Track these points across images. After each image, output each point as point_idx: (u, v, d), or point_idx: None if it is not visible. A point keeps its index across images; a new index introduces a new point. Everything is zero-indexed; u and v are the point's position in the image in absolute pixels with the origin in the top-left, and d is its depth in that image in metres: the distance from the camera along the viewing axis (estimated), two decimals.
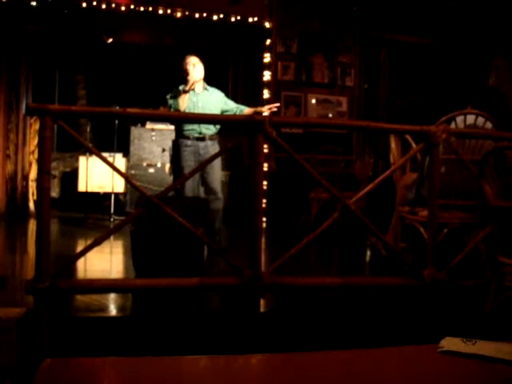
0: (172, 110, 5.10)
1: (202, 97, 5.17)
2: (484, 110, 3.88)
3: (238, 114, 5.20)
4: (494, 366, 1.60)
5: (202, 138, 5.11)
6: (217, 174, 5.19)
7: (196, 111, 5.03)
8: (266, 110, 5.18)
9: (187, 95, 5.06)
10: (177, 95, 5.10)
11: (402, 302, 3.42)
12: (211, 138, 5.16)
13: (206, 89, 5.23)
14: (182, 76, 5.16)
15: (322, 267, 5.00)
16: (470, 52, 7.77)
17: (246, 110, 5.22)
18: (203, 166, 4.36)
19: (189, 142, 5.10)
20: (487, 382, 1.59)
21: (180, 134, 5.16)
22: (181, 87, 5.14)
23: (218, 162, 5.16)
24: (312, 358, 1.73)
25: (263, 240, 2.91)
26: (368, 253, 5.50)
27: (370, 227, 3.02)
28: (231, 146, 3.55)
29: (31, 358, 2.44)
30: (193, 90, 5.09)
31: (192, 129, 5.10)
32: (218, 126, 5.20)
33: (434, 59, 8.35)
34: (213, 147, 5.11)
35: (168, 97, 5.18)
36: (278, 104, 5.25)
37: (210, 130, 5.14)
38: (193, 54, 5.23)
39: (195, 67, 5.09)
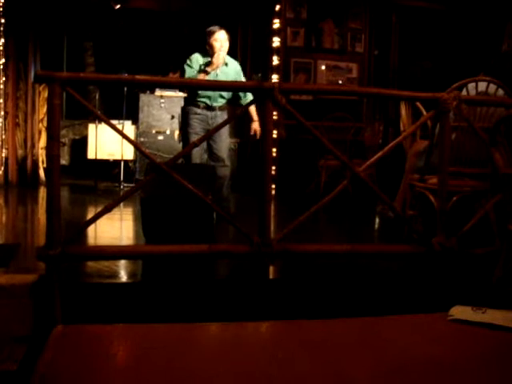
0: None
1: (221, 73, 5.06)
2: (496, 77, 3.84)
3: (242, 98, 5.15)
4: (503, 334, 1.61)
5: (211, 108, 5.08)
6: (224, 142, 5.16)
7: (213, 89, 4.95)
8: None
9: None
10: (198, 71, 5.01)
11: (412, 270, 3.43)
12: (221, 108, 5.13)
13: (225, 64, 5.11)
14: (204, 46, 5.06)
15: (330, 235, 5.02)
16: (482, 18, 7.64)
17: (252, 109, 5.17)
18: (211, 133, 4.34)
19: (198, 110, 5.08)
20: (496, 350, 1.61)
21: (190, 101, 5.13)
22: (201, 60, 5.05)
23: (225, 131, 5.13)
24: (322, 325, 1.75)
25: (272, 207, 2.91)
26: (377, 221, 5.50)
27: (380, 194, 3.01)
28: (240, 113, 3.53)
29: (44, 323, 2.47)
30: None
31: (202, 101, 5.06)
32: (227, 97, 5.16)
33: (446, 25, 8.23)
34: (221, 117, 5.07)
35: (186, 66, 5.06)
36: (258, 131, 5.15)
37: (219, 102, 5.11)
38: (219, 26, 5.05)
39: (222, 47, 4.96)
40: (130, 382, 1.46)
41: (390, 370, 1.54)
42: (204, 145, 5.07)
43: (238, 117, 4.72)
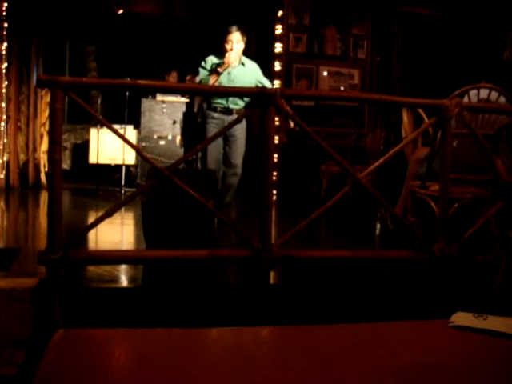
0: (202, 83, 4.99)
1: (236, 72, 5.05)
2: (498, 85, 3.84)
3: None
4: (504, 341, 1.60)
5: (229, 112, 5.04)
6: (240, 149, 5.11)
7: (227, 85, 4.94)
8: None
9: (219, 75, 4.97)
10: (210, 72, 4.99)
11: (413, 276, 3.43)
12: (238, 112, 5.06)
13: (242, 63, 5.10)
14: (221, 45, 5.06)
15: (332, 240, 5.01)
16: (484, 25, 7.65)
17: None
18: (215, 137, 4.29)
19: (215, 115, 5.05)
20: (498, 357, 1.60)
21: (208, 105, 5.10)
22: (215, 61, 5.03)
23: (242, 138, 5.11)
24: (322, 331, 1.74)
25: (273, 213, 2.91)
26: (378, 227, 5.49)
27: (381, 201, 3.01)
28: (243, 116, 3.52)
29: (45, 327, 2.47)
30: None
31: (219, 103, 5.03)
32: (247, 99, 5.09)
33: (448, 32, 8.24)
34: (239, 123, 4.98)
35: (200, 69, 5.05)
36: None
37: (237, 105, 5.07)
38: (237, 27, 5.02)
39: (233, 49, 4.94)
40: None
41: (390, 376, 1.54)
42: (220, 149, 5.05)
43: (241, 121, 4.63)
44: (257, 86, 5.05)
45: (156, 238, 3.81)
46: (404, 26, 8.34)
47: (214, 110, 5.04)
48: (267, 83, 5.23)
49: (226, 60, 4.92)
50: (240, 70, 5.07)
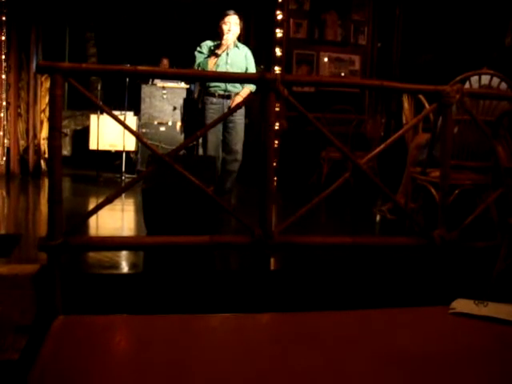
0: (200, 68, 4.99)
1: (232, 54, 5.07)
2: (500, 71, 3.83)
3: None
4: (505, 328, 1.61)
5: (227, 96, 5.03)
6: (240, 135, 5.11)
7: (224, 69, 4.95)
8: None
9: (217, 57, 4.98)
10: (208, 55, 5.00)
11: (413, 262, 3.43)
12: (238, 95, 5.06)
13: (236, 46, 5.12)
14: (217, 31, 5.08)
15: (332, 226, 5.02)
16: (486, 11, 7.61)
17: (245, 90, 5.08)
18: (215, 123, 4.28)
19: (214, 100, 5.03)
20: (498, 344, 1.61)
21: (206, 91, 5.10)
22: (211, 44, 5.05)
23: (241, 123, 5.10)
24: (321, 318, 1.75)
25: (274, 199, 2.91)
26: (378, 214, 5.49)
27: (382, 187, 3.01)
28: (243, 102, 3.51)
29: (46, 314, 2.48)
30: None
31: (217, 85, 5.02)
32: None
33: (450, 18, 8.19)
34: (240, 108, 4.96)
35: (196, 53, 5.07)
36: None
37: (236, 87, 5.05)
38: (234, 11, 5.06)
39: (231, 30, 4.96)
40: (131, 373, 1.46)
41: (390, 363, 1.54)
42: (220, 136, 5.04)
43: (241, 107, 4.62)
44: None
45: (156, 224, 3.81)
46: (405, 11, 8.30)
47: (213, 95, 5.03)
48: (252, 70, 5.23)
49: (224, 42, 4.95)
50: (235, 51, 5.11)
